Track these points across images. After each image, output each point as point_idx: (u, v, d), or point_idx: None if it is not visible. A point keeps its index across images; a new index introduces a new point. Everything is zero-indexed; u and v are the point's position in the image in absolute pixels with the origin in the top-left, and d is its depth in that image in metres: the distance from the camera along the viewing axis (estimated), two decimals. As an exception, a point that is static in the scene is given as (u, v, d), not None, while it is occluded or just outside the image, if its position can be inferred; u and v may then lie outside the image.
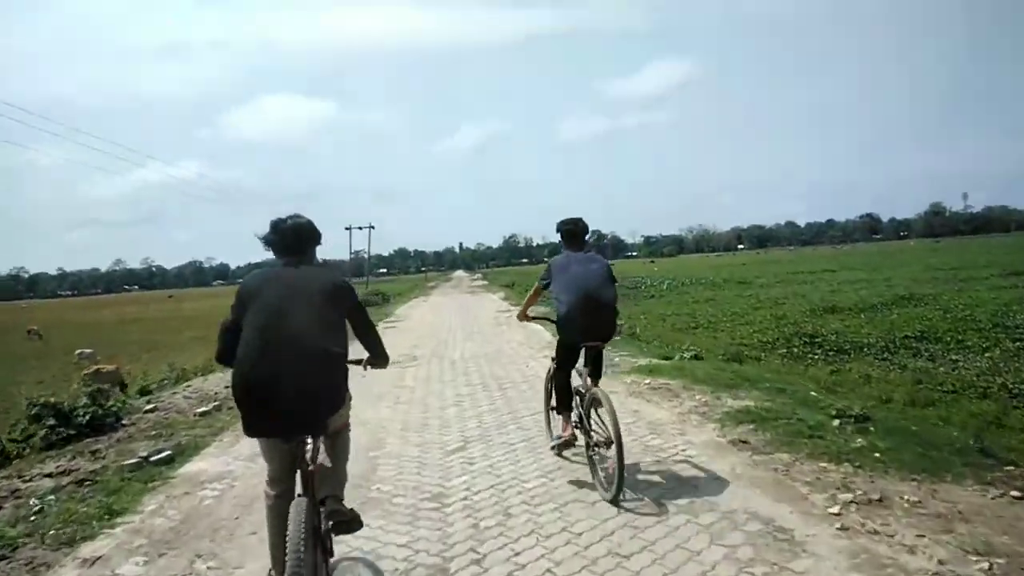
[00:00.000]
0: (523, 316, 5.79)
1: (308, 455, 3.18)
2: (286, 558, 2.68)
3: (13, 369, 20.66)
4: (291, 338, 2.91)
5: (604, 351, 5.37)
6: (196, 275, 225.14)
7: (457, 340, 13.55)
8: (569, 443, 5.23)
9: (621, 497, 4.46)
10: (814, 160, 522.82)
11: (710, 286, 43.48)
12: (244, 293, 3.11)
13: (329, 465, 3.29)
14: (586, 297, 4.84)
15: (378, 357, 3.54)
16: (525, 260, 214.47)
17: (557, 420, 5.46)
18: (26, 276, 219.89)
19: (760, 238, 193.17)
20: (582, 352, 5.13)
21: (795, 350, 16.55)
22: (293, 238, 3.29)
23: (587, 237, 5.43)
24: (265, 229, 3.35)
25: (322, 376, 2.99)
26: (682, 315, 27.69)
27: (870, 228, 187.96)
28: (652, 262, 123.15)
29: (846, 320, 22.77)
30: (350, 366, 3.25)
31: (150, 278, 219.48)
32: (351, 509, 3.32)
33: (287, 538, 2.73)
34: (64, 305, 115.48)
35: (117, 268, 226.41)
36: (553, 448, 5.51)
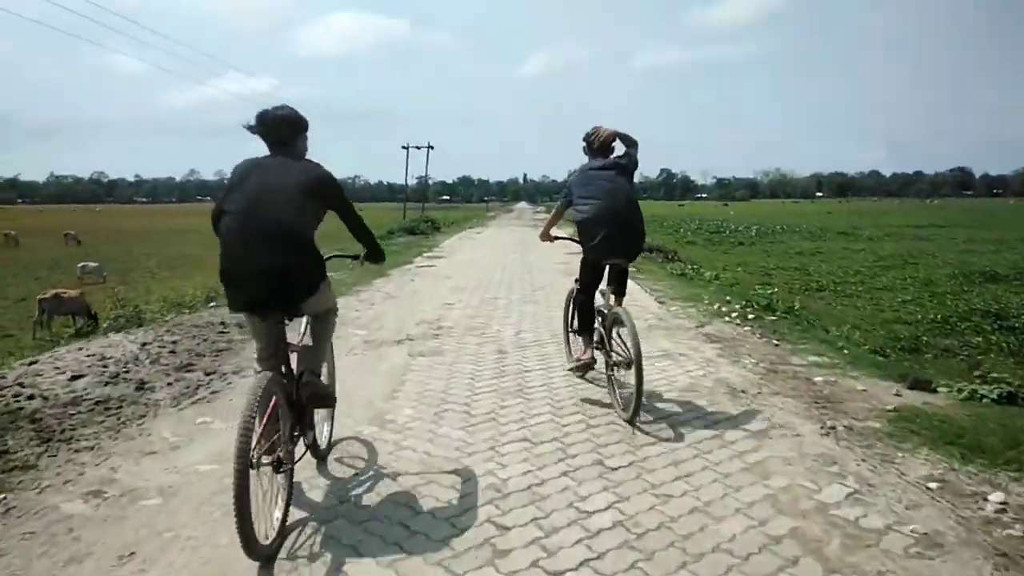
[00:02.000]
0: (546, 236, 5.46)
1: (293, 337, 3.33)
2: (236, 441, 2.63)
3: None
4: (263, 221, 2.96)
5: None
6: None
7: (511, 302, 8.91)
8: (588, 366, 4.91)
9: (638, 419, 4.23)
10: (902, 107, 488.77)
11: (806, 236, 37.68)
12: (230, 181, 3.16)
13: (310, 344, 3.42)
14: (611, 213, 4.50)
15: (374, 253, 3.61)
16: (567, 192, 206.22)
17: (577, 341, 5.13)
18: (105, 181, 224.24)
19: (841, 186, 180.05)
20: (605, 271, 4.82)
21: (998, 341, 11.42)
22: (277, 128, 3.27)
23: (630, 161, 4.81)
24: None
25: (291, 259, 3.02)
26: (789, 269, 22.50)
27: (961, 183, 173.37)
28: (726, 204, 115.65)
29: (1022, 292, 17.27)
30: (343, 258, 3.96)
31: (222, 189, 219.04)
32: (326, 384, 3.53)
33: (240, 420, 2.70)
34: (135, 211, 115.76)
35: (192, 178, 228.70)
36: (571, 370, 5.08)
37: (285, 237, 2.98)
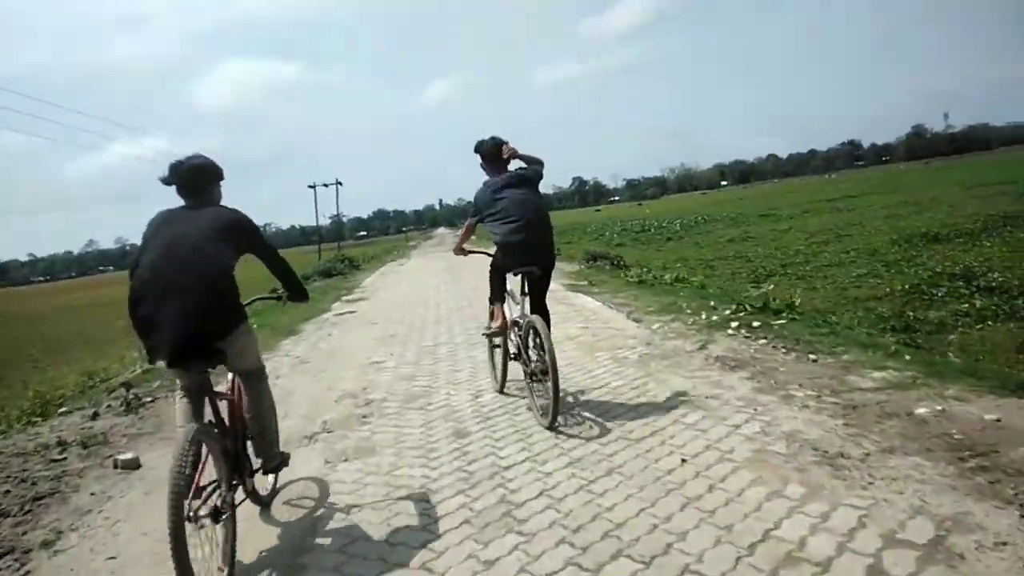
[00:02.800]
0: (459, 250, 5.28)
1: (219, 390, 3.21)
2: (168, 497, 2.52)
3: None
4: (175, 269, 2.88)
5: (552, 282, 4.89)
6: None
7: (456, 347, 6.95)
8: (502, 329, 4.87)
9: (557, 424, 4.15)
10: (790, 92, 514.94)
11: (729, 223, 37.37)
12: (144, 235, 3.08)
13: (255, 426, 3.30)
14: (524, 224, 4.47)
15: (294, 291, 3.57)
16: (474, 210, 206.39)
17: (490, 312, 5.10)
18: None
19: (743, 173, 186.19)
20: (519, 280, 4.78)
21: (985, 305, 10.48)
22: (191, 178, 3.20)
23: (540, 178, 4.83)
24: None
25: (204, 304, 2.89)
26: (728, 258, 21.57)
27: (852, 155, 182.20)
28: (640, 204, 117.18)
29: (969, 251, 16.69)
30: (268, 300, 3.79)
31: (123, 257, 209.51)
32: (279, 456, 3.42)
33: (171, 474, 2.58)
34: (30, 293, 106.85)
35: (90, 249, 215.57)
36: (485, 335, 5.23)
37: (196, 282, 2.89)
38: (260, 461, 3.32)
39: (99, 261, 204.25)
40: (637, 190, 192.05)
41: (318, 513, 3.43)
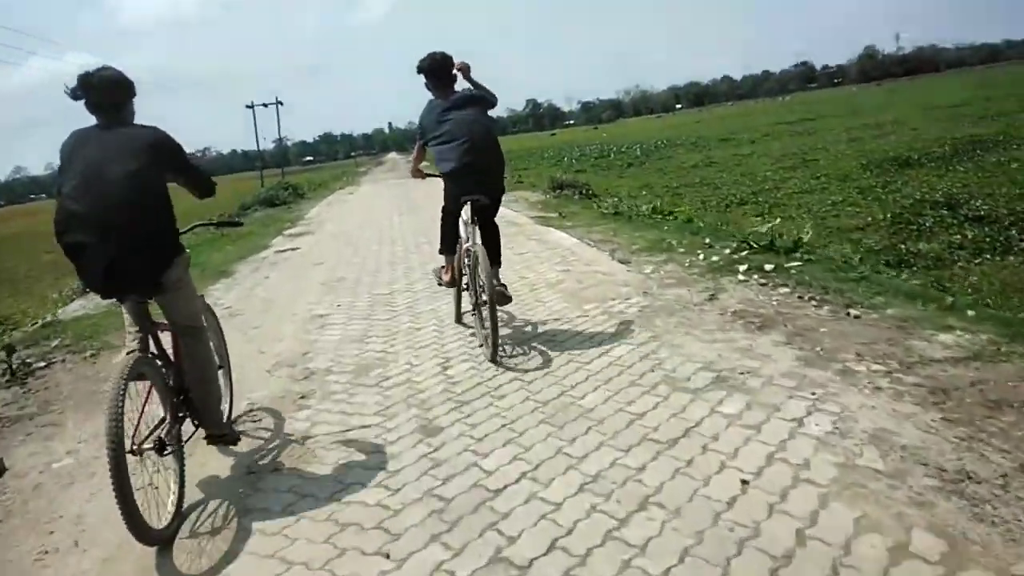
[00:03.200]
0: (417, 172, 5.11)
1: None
2: (105, 429, 2.43)
3: None
4: (101, 197, 2.64)
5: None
6: None
7: (418, 297, 5.92)
8: (453, 281, 4.83)
9: (501, 354, 4.10)
10: (746, 10, 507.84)
11: (690, 148, 36.41)
12: (61, 158, 2.81)
13: (195, 384, 3.04)
14: (470, 149, 4.22)
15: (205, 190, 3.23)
16: (420, 132, 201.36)
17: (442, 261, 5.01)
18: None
19: (698, 95, 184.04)
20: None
21: (977, 236, 9.93)
22: (103, 91, 2.87)
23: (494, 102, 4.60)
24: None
25: (137, 232, 2.70)
26: (695, 185, 20.66)
27: (805, 77, 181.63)
28: (596, 127, 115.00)
29: (944, 176, 16.14)
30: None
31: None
32: (229, 428, 3.24)
33: (107, 407, 2.47)
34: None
35: (19, 176, 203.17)
36: (442, 284, 5.02)
37: (127, 211, 2.66)
38: (203, 428, 3.08)
39: (29, 189, 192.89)
40: (592, 113, 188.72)
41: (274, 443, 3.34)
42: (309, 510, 2.66)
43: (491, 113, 4.65)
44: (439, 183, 4.64)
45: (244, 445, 3.32)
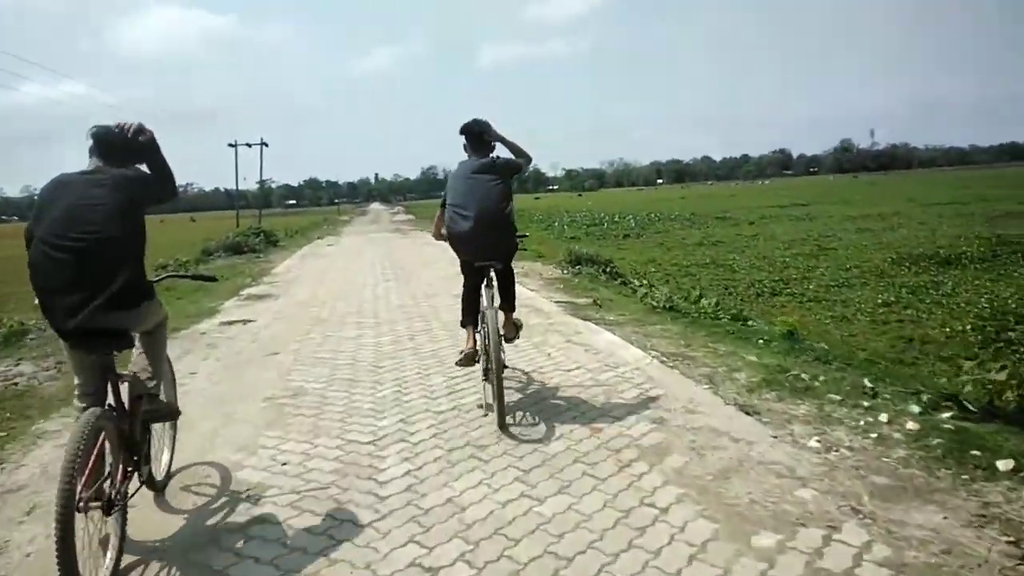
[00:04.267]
0: (439, 236, 4.90)
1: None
2: (59, 483, 2.35)
3: None
4: (76, 239, 2.62)
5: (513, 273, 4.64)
6: None
7: (420, 428, 3.85)
8: (471, 357, 4.54)
9: (509, 421, 4.04)
10: (727, 95, 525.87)
11: (686, 223, 34.80)
12: (39, 201, 2.80)
13: (144, 366, 3.06)
14: (478, 215, 4.22)
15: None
16: (444, 193, 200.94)
17: (462, 334, 4.84)
18: None
19: (678, 173, 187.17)
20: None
21: None
22: (104, 146, 2.93)
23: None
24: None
25: (110, 283, 2.65)
26: (707, 266, 18.66)
27: (781, 164, 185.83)
28: (580, 195, 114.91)
29: (997, 280, 14.30)
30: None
31: (31, 207, 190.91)
32: (167, 403, 3.27)
33: (64, 460, 2.39)
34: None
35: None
36: (458, 363, 4.66)
37: (100, 259, 2.66)
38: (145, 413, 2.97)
39: (2, 210, 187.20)
40: (576, 180, 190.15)
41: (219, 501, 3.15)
42: None
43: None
44: (427, 245, 3.60)
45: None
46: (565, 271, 11.07)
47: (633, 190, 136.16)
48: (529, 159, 4.63)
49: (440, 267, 13.15)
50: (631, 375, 4.83)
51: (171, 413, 3.26)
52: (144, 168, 2.96)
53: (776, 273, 16.59)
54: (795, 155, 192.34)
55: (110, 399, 2.86)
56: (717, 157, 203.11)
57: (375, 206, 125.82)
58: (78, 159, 2.93)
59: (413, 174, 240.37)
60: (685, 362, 5.13)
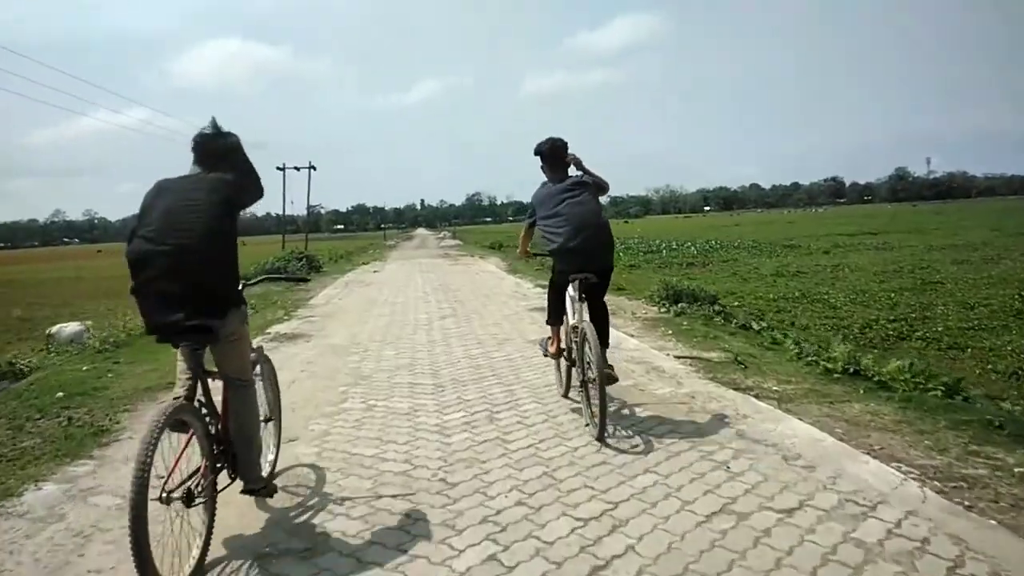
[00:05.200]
0: (524, 254, 5.32)
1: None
2: (132, 475, 2.33)
3: None
4: (175, 240, 2.68)
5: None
6: None
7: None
8: (559, 354, 4.73)
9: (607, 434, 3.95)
10: (774, 123, 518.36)
11: (752, 251, 32.13)
12: (142, 204, 2.84)
13: (233, 366, 2.98)
14: (578, 229, 4.25)
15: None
16: (489, 219, 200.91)
17: (548, 332, 4.89)
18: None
19: (726, 200, 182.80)
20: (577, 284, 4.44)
21: None
22: (200, 151, 3.01)
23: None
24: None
25: (201, 279, 2.70)
26: (798, 299, 16.24)
27: (834, 192, 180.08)
28: (627, 221, 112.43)
29: None
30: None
31: (91, 230, 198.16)
32: (265, 481, 3.08)
33: (137, 452, 2.38)
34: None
35: (56, 220, 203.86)
36: (545, 355, 4.94)
37: (196, 260, 2.71)
38: (241, 480, 2.97)
39: (65, 232, 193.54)
40: (621, 207, 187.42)
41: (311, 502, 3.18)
42: None
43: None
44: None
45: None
46: (663, 309, 8.89)
47: (680, 217, 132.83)
48: (608, 185, 4.69)
49: (503, 299, 11.09)
50: (910, 530, 2.65)
51: (266, 416, 3.22)
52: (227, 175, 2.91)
53: (887, 311, 14.06)
54: (847, 183, 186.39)
55: (201, 395, 2.85)
56: (766, 185, 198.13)
57: (421, 231, 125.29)
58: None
59: (458, 200, 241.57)
60: (983, 499, 2.93)
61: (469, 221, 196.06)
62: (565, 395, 4.85)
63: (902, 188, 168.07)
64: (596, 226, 4.28)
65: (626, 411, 4.50)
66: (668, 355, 6.05)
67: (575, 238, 4.20)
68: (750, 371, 5.36)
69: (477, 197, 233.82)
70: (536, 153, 4.62)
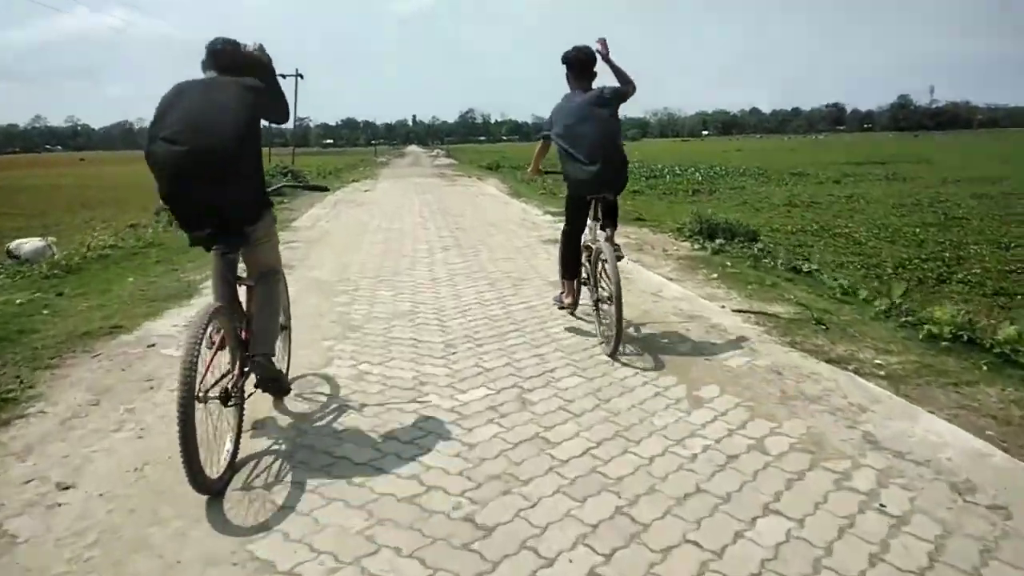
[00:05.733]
0: (536, 171, 5.10)
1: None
2: (179, 373, 2.38)
3: None
4: (207, 144, 2.60)
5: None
6: (125, 137, 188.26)
7: None
8: (572, 307, 4.76)
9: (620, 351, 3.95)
10: (777, 45, 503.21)
11: (759, 179, 30.67)
12: (159, 107, 2.74)
13: (259, 319, 3.00)
14: (593, 146, 4.14)
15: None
16: (483, 138, 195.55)
17: (562, 285, 4.86)
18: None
19: (725, 124, 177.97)
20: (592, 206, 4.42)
21: None
22: (221, 58, 2.93)
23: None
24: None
25: (233, 186, 2.69)
26: (820, 233, 15.18)
27: (834, 119, 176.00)
28: (624, 145, 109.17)
29: None
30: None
31: (74, 137, 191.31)
32: (278, 369, 3.12)
33: (183, 351, 2.43)
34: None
35: (37, 125, 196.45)
36: (559, 308, 4.86)
37: (228, 160, 2.65)
38: (254, 369, 2.88)
39: (46, 139, 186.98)
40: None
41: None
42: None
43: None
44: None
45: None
46: (696, 246, 7.76)
47: (678, 141, 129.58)
48: (635, 86, 4.35)
49: (512, 229, 9.90)
50: None
51: (279, 383, 3.04)
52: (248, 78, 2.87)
53: (915, 249, 13.00)
54: (848, 110, 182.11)
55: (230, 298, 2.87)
56: (766, 109, 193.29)
57: (413, 148, 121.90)
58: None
59: (451, 117, 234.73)
60: None
61: (462, 139, 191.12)
62: (572, 313, 4.87)
63: (903, 117, 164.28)
64: (611, 147, 4.20)
65: (698, 392, 3.43)
66: (723, 308, 4.98)
67: (595, 160, 4.10)
68: (833, 333, 4.32)
69: (471, 115, 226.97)
70: (563, 61, 4.43)
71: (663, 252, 7.35)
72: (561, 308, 4.78)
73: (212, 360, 2.60)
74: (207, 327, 2.51)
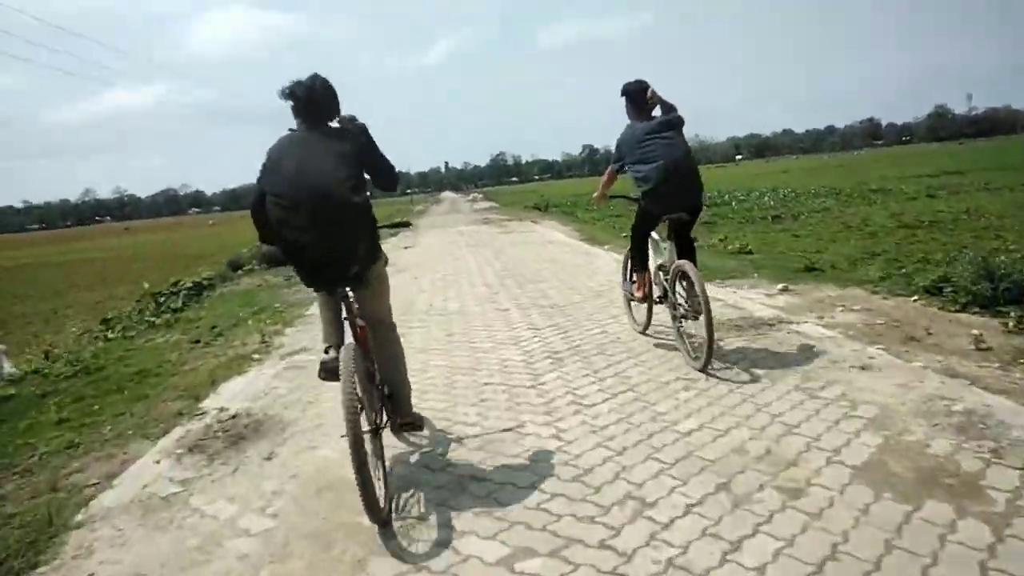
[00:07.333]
0: (602, 198, 5.27)
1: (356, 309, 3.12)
2: (343, 411, 2.54)
3: None
4: (319, 196, 2.78)
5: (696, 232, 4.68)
6: (170, 204, 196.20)
7: None
8: (643, 300, 4.98)
9: (710, 367, 4.16)
10: (805, 66, 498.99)
11: (840, 201, 26.98)
12: (268, 160, 2.95)
13: (380, 312, 3.19)
14: (670, 169, 4.40)
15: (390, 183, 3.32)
16: (515, 179, 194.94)
17: (633, 279, 5.15)
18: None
19: (759, 147, 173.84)
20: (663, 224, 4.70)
21: None
22: (305, 101, 3.05)
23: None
24: (251, 157, 3.12)
25: (351, 226, 2.85)
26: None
27: (871, 133, 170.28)
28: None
29: None
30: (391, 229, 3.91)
31: (122, 208, 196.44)
32: (418, 415, 3.40)
33: (342, 390, 2.60)
34: (26, 241, 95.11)
35: (87, 199, 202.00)
36: (635, 302, 5.13)
37: (342, 210, 2.77)
38: (399, 416, 3.20)
39: (95, 211, 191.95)
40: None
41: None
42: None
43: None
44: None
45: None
46: (1007, 323, 4.46)
47: (713, 167, 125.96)
48: (677, 110, 4.67)
49: (608, 292, 6.77)
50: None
51: (415, 424, 3.30)
52: (353, 123, 3.10)
53: None
54: (884, 124, 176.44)
55: (350, 338, 2.95)
56: (799, 129, 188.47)
57: (447, 194, 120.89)
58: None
59: (482, 161, 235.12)
60: None
61: (495, 182, 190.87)
62: (644, 331, 5.20)
63: (942, 127, 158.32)
64: (686, 165, 4.38)
65: None
66: None
67: (668, 179, 4.32)
68: None
69: (501, 157, 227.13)
70: (623, 94, 4.75)
71: (933, 344, 4.08)
72: (631, 300, 5.16)
73: (362, 395, 2.73)
74: (356, 364, 2.65)
